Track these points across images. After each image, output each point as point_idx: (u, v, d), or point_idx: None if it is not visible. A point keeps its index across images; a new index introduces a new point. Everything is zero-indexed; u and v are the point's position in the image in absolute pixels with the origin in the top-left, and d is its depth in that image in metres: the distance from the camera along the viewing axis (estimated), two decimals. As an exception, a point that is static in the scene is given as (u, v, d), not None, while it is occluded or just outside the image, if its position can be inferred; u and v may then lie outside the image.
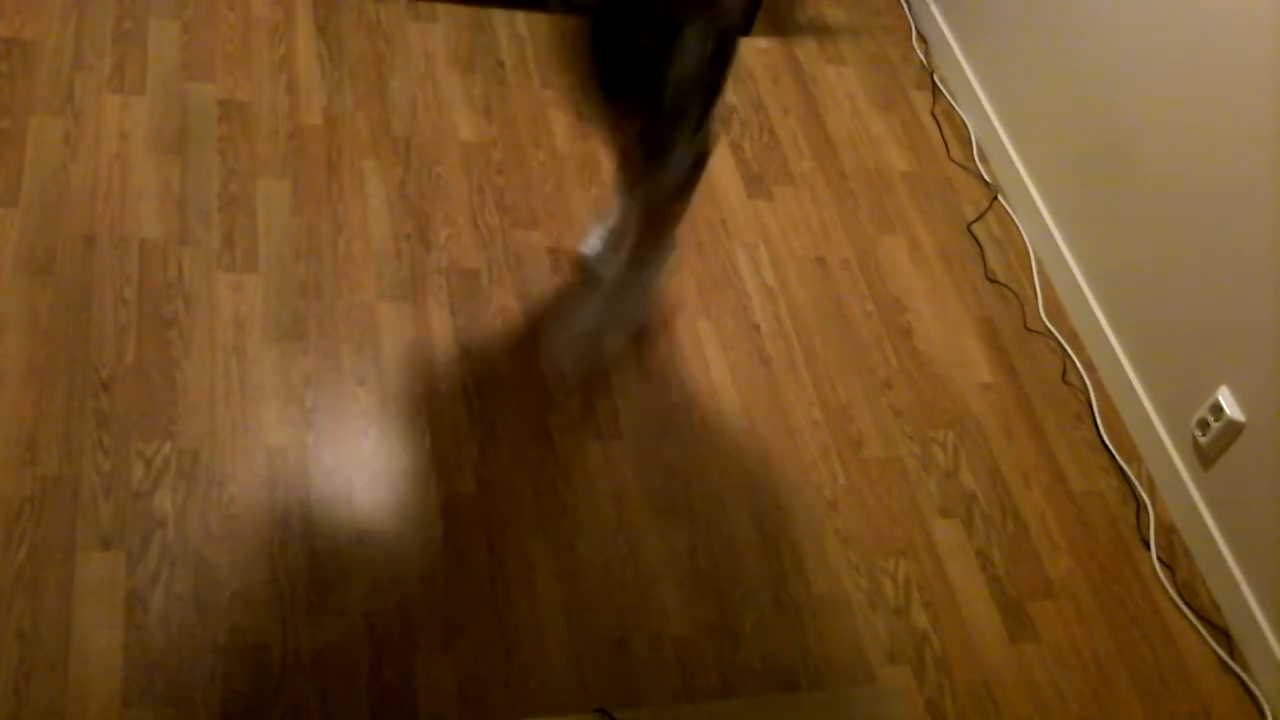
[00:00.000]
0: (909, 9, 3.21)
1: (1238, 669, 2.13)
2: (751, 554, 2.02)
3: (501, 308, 2.22)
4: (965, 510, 2.20)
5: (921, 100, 2.98)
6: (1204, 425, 2.23)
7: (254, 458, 1.90)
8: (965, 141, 2.92)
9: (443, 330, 2.15)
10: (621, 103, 1.85)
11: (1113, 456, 2.38)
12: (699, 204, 2.53)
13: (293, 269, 2.15)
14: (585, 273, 2.30)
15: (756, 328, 2.35)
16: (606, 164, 2.52)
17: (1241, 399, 2.17)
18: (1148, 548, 2.26)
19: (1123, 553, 2.24)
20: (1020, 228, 2.75)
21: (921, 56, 3.09)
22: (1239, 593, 2.17)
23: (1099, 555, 2.22)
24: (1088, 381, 2.49)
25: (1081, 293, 2.56)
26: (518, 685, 1.77)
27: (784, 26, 3.05)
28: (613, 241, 2.26)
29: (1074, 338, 2.57)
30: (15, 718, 1.57)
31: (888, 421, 2.28)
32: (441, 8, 2.72)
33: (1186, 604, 2.20)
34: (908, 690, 1.93)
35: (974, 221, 2.73)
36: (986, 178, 2.84)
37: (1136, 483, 2.35)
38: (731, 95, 2.79)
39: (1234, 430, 2.18)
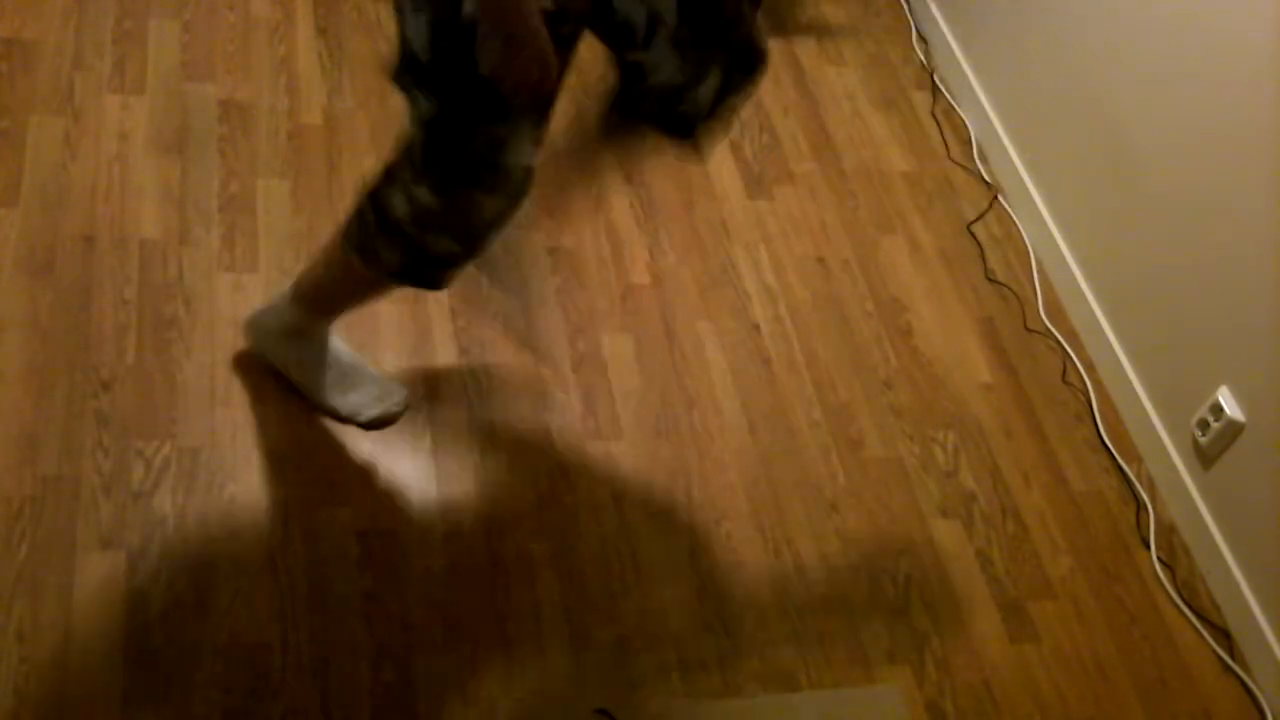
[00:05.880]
0: (909, 9, 3.21)
1: (1238, 669, 2.13)
2: (751, 554, 2.02)
3: (501, 308, 2.22)
4: (965, 510, 2.20)
5: (921, 100, 2.98)
6: (1204, 425, 2.23)
7: (254, 458, 1.90)
8: (965, 141, 2.92)
9: (443, 330, 2.15)
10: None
11: (1113, 456, 2.38)
12: (700, 204, 2.53)
13: (293, 270, 2.15)
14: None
15: (756, 328, 2.35)
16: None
17: (1241, 399, 2.17)
18: (1148, 548, 2.26)
19: (1123, 553, 2.24)
20: (1020, 228, 2.75)
21: (921, 56, 3.09)
22: (1239, 593, 2.17)
23: (1099, 555, 2.22)
24: (1088, 381, 2.49)
25: (1081, 293, 2.56)
26: (518, 685, 1.77)
27: (784, 26, 3.05)
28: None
29: (1074, 338, 2.57)
30: (15, 718, 1.57)
31: (888, 421, 2.28)
32: (441, 8, 2.72)
33: (1186, 604, 2.20)
34: (907, 690, 1.93)
35: (974, 221, 2.73)
36: (986, 178, 2.84)
37: (1136, 483, 2.35)
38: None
39: (1234, 430, 2.18)
